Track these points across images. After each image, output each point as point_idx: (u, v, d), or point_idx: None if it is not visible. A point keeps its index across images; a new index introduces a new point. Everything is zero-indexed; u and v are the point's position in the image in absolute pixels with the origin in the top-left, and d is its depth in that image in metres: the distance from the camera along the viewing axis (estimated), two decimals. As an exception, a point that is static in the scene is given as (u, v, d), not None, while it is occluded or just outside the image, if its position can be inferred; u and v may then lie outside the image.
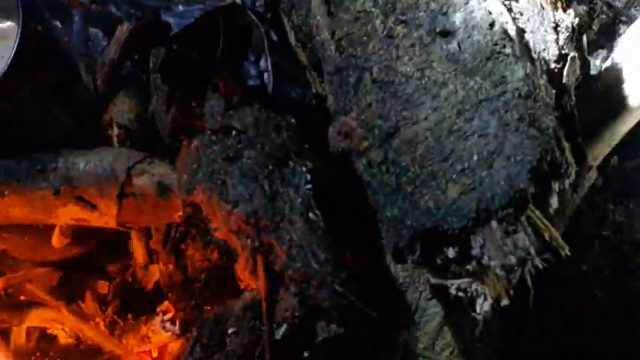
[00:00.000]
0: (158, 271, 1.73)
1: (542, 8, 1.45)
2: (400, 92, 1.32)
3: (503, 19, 1.34)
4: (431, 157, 1.29)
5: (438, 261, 1.32)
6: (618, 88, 1.73)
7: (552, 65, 1.43)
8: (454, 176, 1.27)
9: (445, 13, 1.33)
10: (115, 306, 1.81)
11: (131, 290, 1.83)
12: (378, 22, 1.35)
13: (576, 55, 1.48)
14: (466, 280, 1.30)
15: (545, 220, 1.35)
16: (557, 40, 1.44)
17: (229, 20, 1.66)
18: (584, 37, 1.66)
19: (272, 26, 1.62)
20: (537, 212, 1.35)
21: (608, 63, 1.80)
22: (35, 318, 1.79)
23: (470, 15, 1.32)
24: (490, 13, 1.33)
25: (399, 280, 1.48)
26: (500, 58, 1.31)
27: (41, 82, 1.80)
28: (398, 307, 1.47)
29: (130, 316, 1.82)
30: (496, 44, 1.31)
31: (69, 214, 1.69)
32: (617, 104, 1.71)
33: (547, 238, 1.35)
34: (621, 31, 1.99)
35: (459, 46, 1.31)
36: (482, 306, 1.31)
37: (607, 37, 1.96)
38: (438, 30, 1.32)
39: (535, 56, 1.38)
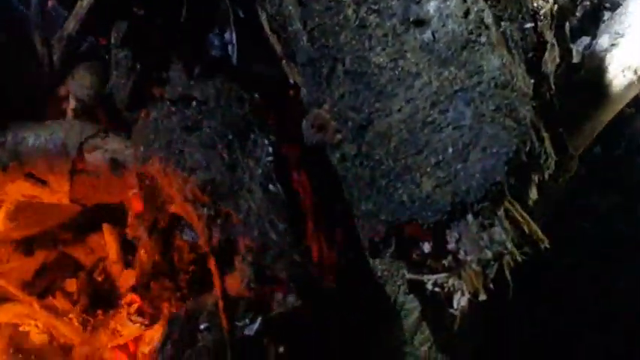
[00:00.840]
0: (133, 274, 1.70)
1: (520, -5, 1.41)
2: (373, 83, 1.29)
3: (479, 6, 1.30)
4: (405, 149, 1.26)
5: (414, 256, 1.29)
6: (601, 76, 1.70)
7: (530, 54, 1.40)
8: (429, 169, 1.25)
9: (419, 2, 1.29)
10: (82, 304, 1.78)
11: (100, 286, 1.80)
12: (350, 11, 1.31)
13: (555, 42, 1.45)
14: (442, 275, 1.28)
15: (524, 213, 1.33)
16: (535, 28, 1.41)
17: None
18: (567, 24, 1.63)
19: (240, 4, 1.58)
20: (516, 205, 1.33)
21: (591, 50, 1.77)
22: (7, 313, 1.75)
23: (444, 3, 1.28)
24: (465, 1, 1.29)
25: (377, 274, 1.46)
26: (476, 47, 1.28)
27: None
28: (376, 300, 1.45)
29: (99, 311, 1.78)
30: (471, 33, 1.28)
31: (19, 190, 1.64)
32: (599, 93, 1.68)
33: (526, 231, 1.33)
34: (605, 17, 1.96)
35: (433, 36, 1.28)
36: (460, 301, 1.29)
37: (590, 24, 1.93)
38: (411, 19, 1.29)
39: (512, 45, 1.35)
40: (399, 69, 1.28)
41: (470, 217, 1.24)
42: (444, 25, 1.28)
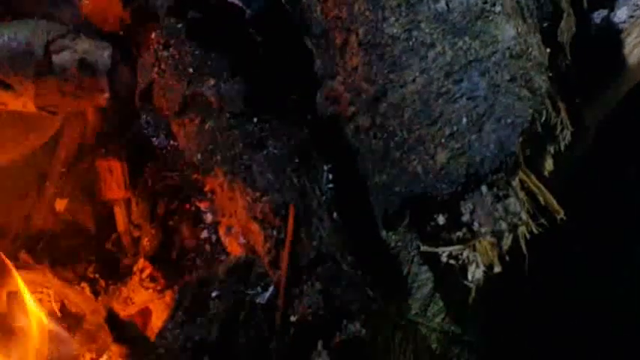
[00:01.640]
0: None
1: (536, -37, 1.39)
2: (387, 55, 1.28)
3: (494, -25, 1.29)
4: (419, 121, 1.26)
5: (428, 228, 1.29)
6: (619, 47, 1.67)
7: (546, 23, 1.38)
8: (443, 140, 1.24)
9: (432, -29, 1.28)
10: (93, 273, 1.77)
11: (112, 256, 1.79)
12: (363, -19, 1.30)
13: (572, 11, 1.43)
14: (457, 247, 1.28)
15: (539, 184, 1.33)
16: (551, -3, 1.39)
17: None
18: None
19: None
20: (531, 176, 1.32)
21: (609, 21, 1.74)
22: (19, 281, 1.74)
23: (458, -28, 1.27)
24: (479, -31, 1.27)
25: (391, 245, 1.45)
26: (491, 17, 1.26)
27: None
28: (390, 272, 1.45)
29: (110, 281, 1.78)
30: (486, 2, 1.26)
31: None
32: (618, 63, 1.66)
33: (542, 202, 1.32)
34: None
35: (447, 5, 1.26)
36: (474, 273, 1.28)
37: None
38: (425, -12, 1.27)
39: (527, 14, 1.33)
40: (413, 39, 1.27)
41: (484, 188, 1.23)
42: (458, -5, 1.27)
